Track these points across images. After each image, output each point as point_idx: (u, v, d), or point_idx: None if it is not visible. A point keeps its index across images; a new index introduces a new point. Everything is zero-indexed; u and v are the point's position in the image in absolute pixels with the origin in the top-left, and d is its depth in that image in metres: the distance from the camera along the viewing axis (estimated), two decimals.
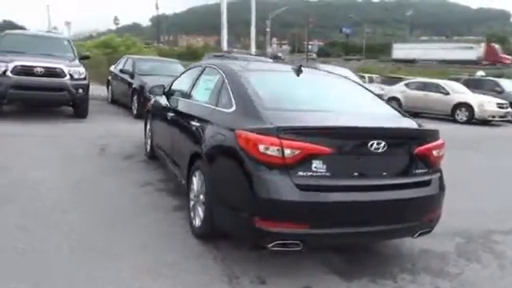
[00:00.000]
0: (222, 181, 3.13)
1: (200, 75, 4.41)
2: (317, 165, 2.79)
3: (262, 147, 2.76)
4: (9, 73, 7.75)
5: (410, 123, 3.42)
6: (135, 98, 10.02)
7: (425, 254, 3.65)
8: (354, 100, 3.85)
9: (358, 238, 3.06)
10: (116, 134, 7.70)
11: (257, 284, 2.93)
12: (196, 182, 3.55)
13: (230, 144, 3.03)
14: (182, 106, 4.41)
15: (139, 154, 6.29)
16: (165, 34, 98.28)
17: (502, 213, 4.90)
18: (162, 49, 44.68)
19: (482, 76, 22.78)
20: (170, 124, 4.61)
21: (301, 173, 2.76)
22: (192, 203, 3.62)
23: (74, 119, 8.89)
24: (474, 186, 6.02)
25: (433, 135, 3.25)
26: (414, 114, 15.77)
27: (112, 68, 12.74)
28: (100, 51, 20.97)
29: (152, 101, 5.99)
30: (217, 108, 3.56)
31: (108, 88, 13.06)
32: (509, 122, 15.25)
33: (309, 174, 2.78)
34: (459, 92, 15.54)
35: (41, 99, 8.28)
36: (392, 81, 21.82)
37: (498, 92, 17.18)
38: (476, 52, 54.87)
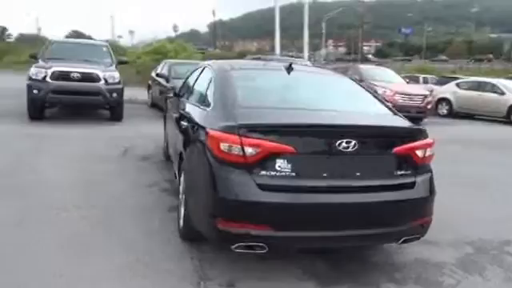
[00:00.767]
0: (194, 180, 3.11)
1: (199, 75, 4.42)
2: (281, 164, 2.68)
3: (223, 146, 2.70)
4: (48, 78, 8.26)
5: (397, 122, 3.19)
6: None
7: (421, 263, 3.41)
8: (340, 98, 3.66)
9: (330, 242, 2.89)
10: (144, 135, 7.93)
11: (225, 287, 2.87)
12: (182, 182, 3.56)
13: (202, 143, 3.00)
14: (181, 106, 4.45)
15: (158, 154, 6.43)
16: (220, 40, 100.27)
17: None
18: (215, 53, 45.55)
19: None
20: (173, 124, 4.67)
21: (263, 172, 2.67)
22: (178, 204, 3.62)
23: (109, 122, 9.29)
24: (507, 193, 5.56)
25: (417, 134, 3.01)
26: (465, 116, 14.88)
27: (152, 73, 13.16)
28: (150, 57, 21.80)
29: (167, 103, 6.12)
30: (200, 107, 3.55)
31: (148, 92, 13.46)
32: None
33: (272, 173, 2.67)
34: None
35: (77, 103, 8.75)
36: (449, 81, 20.66)
37: None
38: None
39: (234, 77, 3.57)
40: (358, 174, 2.82)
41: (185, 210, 3.27)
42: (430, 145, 3.04)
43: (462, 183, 5.81)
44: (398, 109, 12.02)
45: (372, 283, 3.03)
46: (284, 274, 3.07)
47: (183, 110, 4.18)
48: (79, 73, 8.40)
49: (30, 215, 3.86)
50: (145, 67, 18.73)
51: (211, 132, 2.84)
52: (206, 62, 4.53)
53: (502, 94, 14.30)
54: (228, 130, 2.72)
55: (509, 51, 64.10)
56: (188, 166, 3.26)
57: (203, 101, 3.61)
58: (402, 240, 2.99)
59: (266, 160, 2.66)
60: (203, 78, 4.08)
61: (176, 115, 4.57)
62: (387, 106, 3.50)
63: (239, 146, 2.65)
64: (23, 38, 53.17)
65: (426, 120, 12.89)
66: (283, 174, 2.68)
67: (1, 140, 6.92)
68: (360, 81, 12.36)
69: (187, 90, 4.68)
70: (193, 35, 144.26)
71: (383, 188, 2.85)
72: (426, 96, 12.29)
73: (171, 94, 5.48)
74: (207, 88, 3.67)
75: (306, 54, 51.08)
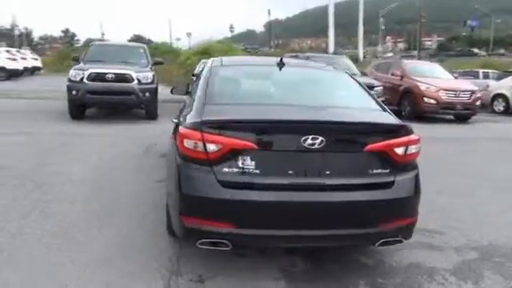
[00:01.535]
0: (169, 177, 3.14)
1: (201, 72, 4.45)
2: (244, 161, 2.62)
3: (187, 143, 2.70)
4: (85, 79, 8.72)
5: (378, 119, 3.00)
6: None
7: (413, 268, 3.21)
8: (326, 94, 3.52)
9: (295, 241, 2.78)
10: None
11: (195, 282, 2.87)
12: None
13: (175, 140, 3.02)
14: (182, 104, 4.51)
15: None
16: (274, 39, 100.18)
17: None
18: (269, 53, 45.65)
19: None
20: None
21: (226, 169, 2.63)
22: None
23: (144, 120, 9.62)
24: None
25: (396, 131, 2.82)
26: None
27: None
28: (197, 58, 22.23)
29: None
30: (186, 104, 3.57)
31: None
32: None
33: (235, 170, 2.63)
34: None
35: (112, 102, 9.16)
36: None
37: None
38: None
39: (220, 73, 3.55)
40: (327, 172, 2.69)
41: (167, 207, 3.31)
42: (412, 142, 2.83)
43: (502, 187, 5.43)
44: (442, 106, 11.48)
45: (348, 286, 2.89)
46: (258, 273, 3.01)
47: (181, 108, 4.23)
48: (114, 74, 8.78)
49: (37, 207, 4.08)
50: (192, 67, 19.17)
51: (179, 129, 2.85)
52: (211, 59, 4.53)
53: None
54: (192, 126, 2.71)
55: None
56: (167, 163, 3.29)
57: (190, 98, 3.63)
58: (380, 242, 2.81)
59: (228, 157, 2.62)
60: (200, 75, 4.10)
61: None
62: (378, 103, 3.30)
63: (201, 143, 2.63)
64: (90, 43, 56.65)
65: (474, 117, 12.11)
66: (246, 170, 2.63)
67: (37, 137, 7.37)
68: (401, 77, 11.94)
69: (191, 87, 4.72)
70: (249, 35, 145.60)
71: (355, 187, 2.70)
72: (473, 92, 11.50)
73: (181, 91, 5.53)
74: (196, 85, 3.68)
75: (360, 50, 49.69)
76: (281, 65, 3.63)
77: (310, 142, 2.61)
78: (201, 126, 2.66)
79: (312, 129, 2.64)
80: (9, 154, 6.18)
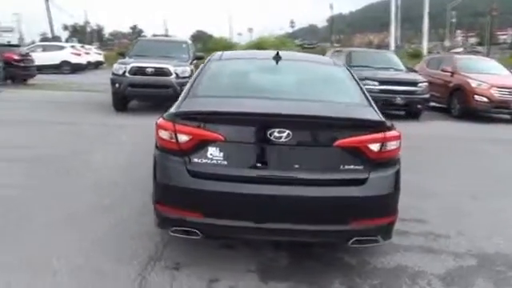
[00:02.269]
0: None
1: None
2: (213, 152, 2.67)
3: (161, 133, 2.79)
4: (127, 73, 9.16)
5: (356, 114, 2.89)
6: None
7: (397, 270, 3.09)
8: (314, 88, 3.44)
9: (265, 234, 2.77)
10: None
11: (170, 269, 2.96)
12: None
13: None
14: None
15: None
16: (336, 34, 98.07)
17: None
18: (326, 48, 44.94)
19: None
20: None
21: (196, 160, 2.69)
22: None
23: None
24: None
25: (371, 127, 2.71)
26: None
27: None
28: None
29: None
30: None
31: None
32: None
33: (204, 161, 2.68)
34: None
35: (150, 95, 9.54)
36: None
37: None
38: None
39: (215, 66, 3.61)
40: (296, 166, 2.66)
41: None
42: (389, 139, 2.72)
43: None
44: (495, 104, 10.72)
45: (321, 284, 2.84)
46: (236, 264, 3.04)
47: None
48: (153, 68, 9.16)
49: (61, 191, 4.39)
50: None
51: (158, 120, 2.94)
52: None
53: None
54: (166, 117, 2.80)
55: None
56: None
57: None
58: (353, 241, 2.73)
59: (197, 147, 2.68)
60: None
61: None
62: (366, 98, 3.18)
63: (173, 134, 2.70)
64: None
65: None
66: (215, 162, 2.67)
67: (79, 127, 7.88)
68: (452, 73, 11.28)
69: None
70: (310, 30, 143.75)
71: (324, 182, 2.65)
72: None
73: None
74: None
75: (425, 45, 47.26)
76: (277, 58, 3.61)
77: (276, 135, 2.60)
78: (174, 118, 2.74)
79: (278, 122, 2.62)
80: (49, 142, 6.67)
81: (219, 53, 4.08)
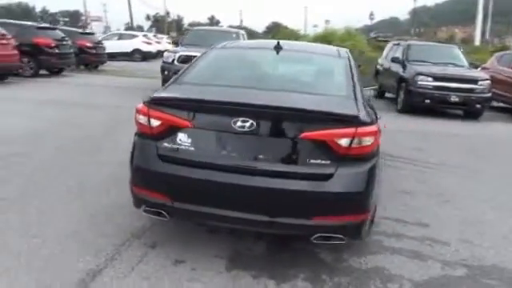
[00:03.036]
0: None
1: None
2: (182, 138, 2.73)
3: (137, 117, 2.91)
4: (175, 61, 9.54)
5: (328, 107, 2.76)
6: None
7: (371, 272, 2.97)
8: (303, 79, 3.38)
9: (227, 222, 2.78)
10: None
11: (146, 246, 3.10)
12: None
13: None
14: None
15: None
16: (418, 27, 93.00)
17: None
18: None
19: None
20: None
21: (166, 144, 2.77)
22: None
23: None
24: None
25: (340, 121, 2.61)
26: None
27: (380, 59, 13.10)
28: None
29: None
30: None
31: (376, 80, 13.08)
32: None
33: (174, 146, 2.76)
34: None
35: None
36: None
37: None
38: None
39: (214, 54, 3.69)
40: (260, 156, 2.65)
41: None
42: (361, 134, 2.60)
43: None
44: None
45: (284, 277, 2.81)
46: (210, 248, 3.09)
47: None
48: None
49: (87, 170, 4.72)
50: None
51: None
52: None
53: None
54: (145, 102, 2.91)
55: None
56: None
57: None
58: (317, 236, 2.67)
59: (168, 133, 2.76)
60: None
61: None
62: (354, 91, 3.05)
63: (147, 118, 2.82)
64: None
65: None
66: (183, 147, 2.74)
67: (121, 111, 8.29)
68: None
69: None
70: (391, 23, 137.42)
71: (288, 175, 2.60)
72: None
73: None
74: None
75: None
76: (278, 48, 3.59)
77: (240, 124, 2.60)
78: (149, 103, 2.85)
79: (242, 111, 2.62)
80: (87, 124, 7.17)
81: (226, 42, 4.14)
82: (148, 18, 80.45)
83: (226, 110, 2.68)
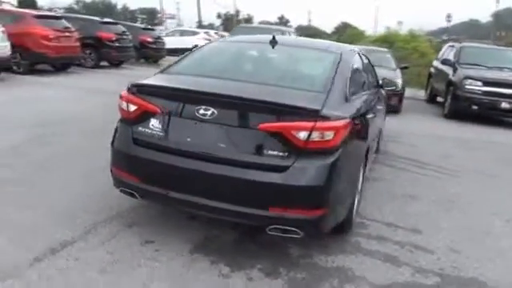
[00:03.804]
0: None
1: None
2: (154, 123, 2.88)
3: (119, 102, 3.10)
4: None
5: (294, 100, 2.75)
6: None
7: (332, 271, 2.93)
8: (281, 73, 3.39)
9: (188, 206, 2.87)
10: None
11: (123, 225, 3.28)
12: None
13: None
14: None
15: None
16: (501, 30, 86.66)
17: None
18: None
19: None
20: None
21: (140, 128, 2.93)
22: None
23: None
24: None
25: (299, 114, 2.60)
26: None
27: (434, 62, 12.63)
28: (375, 45, 21.48)
29: None
30: None
31: (428, 83, 12.74)
32: None
33: (146, 131, 2.90)
34: None
35: None
36: None
37: None
38: None
39: (211, 46, 3.83)
40: (221, 145, 2.72)
41: None
42: (320, 128, 2.57)
43: None
44: None
45: (241, 265, 2.85)
46: (182, 233, 3.20)
47: None
48: None
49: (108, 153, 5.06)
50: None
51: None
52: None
53: None
54: (128, 89, 3.09)
55: None
56: None
57: None
58: (272, 228, 2.69)
59: (142, 118, 2.92)
60: None
61: None
62: (331, 86, 3.01)
63: (127, 103, 3.00)
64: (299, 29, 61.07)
65: None
66: (154, 132, 2.88)
67: None
68: None
69: None
70: (471, 25, 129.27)
71: (245, 164, 2.65)
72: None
73: None
74: None
75: None
76: (273, 43, 3.64)
77: (202, 112, 2.70)
78: (129, 89, 3.03)
79: (204, 100, 2.72)
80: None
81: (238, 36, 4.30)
82: (219, 16, 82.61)
83: (190, 98, 2.79)
